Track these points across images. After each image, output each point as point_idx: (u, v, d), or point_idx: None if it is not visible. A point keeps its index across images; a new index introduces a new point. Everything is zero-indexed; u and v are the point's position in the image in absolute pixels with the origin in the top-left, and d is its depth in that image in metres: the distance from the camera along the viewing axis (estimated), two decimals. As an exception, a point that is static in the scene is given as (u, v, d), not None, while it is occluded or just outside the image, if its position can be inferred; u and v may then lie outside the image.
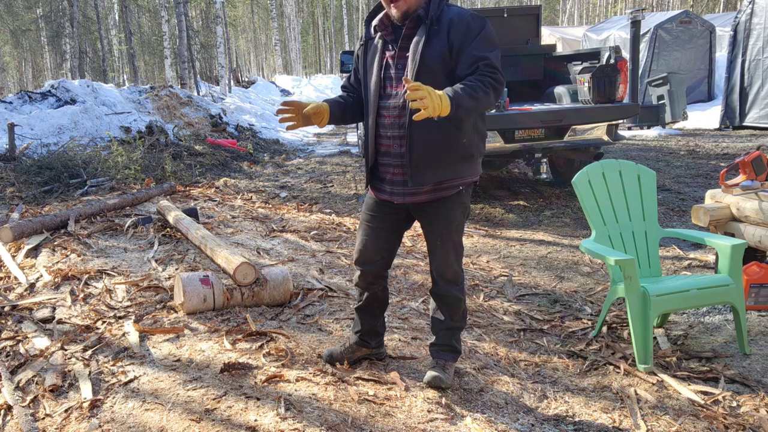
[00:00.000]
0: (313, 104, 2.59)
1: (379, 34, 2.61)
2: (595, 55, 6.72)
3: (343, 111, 2.71)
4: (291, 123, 2.58)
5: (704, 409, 2.64)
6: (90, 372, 2.78)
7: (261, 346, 3.02)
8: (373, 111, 2.59)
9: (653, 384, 2.85)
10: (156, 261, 4.35)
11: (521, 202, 6.76)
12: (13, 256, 4.43)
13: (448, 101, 2.22)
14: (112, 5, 30.06)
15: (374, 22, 2.63)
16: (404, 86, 2.29)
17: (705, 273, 4.30)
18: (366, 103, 2.66)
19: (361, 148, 10.04)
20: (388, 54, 2.58)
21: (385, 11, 2.59)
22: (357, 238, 2.81)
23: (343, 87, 2.85)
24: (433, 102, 2.17)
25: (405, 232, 2.90)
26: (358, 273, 2.82)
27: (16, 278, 4.04)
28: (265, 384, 2.64)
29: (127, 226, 5.10)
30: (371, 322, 2.88)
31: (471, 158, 2.58)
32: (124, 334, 3.16)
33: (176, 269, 4.18)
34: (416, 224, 2.79)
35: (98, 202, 5.72)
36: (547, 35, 18.53)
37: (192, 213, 5.33)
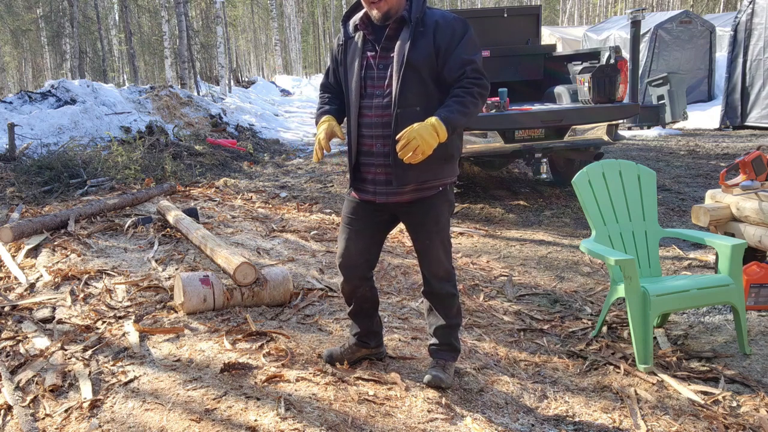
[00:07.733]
0: (328, 126, 2.59)
1: (359, 33, 2.58)
2: (595, 55, 6.71)
3: (340, 114, 2.72)
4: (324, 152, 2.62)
5: (704, 409, 2.64)
6: (90, 372, 2.78)
7: (261, 346, 3.02)
8: (355, 110, 2.58)
9: (653, 384, 2.85)
10: (156, 261, 4.35)
11: (521, 202, 6.75)
12: (13, 256, 4.43)
13: (444, 128, 2.35)
14: (112, 5, 30.08)
15: (354, 21, 2.61)
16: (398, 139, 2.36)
17: (705, 273, 4.30)
18: (347, 103, 2.64)
19: None
20: (369, 54, 2.56)
21: (364, 11, 2.56)
22: (338, 241, 2.79)
23: (323, 86, 2.80)
24: (426, 139, 2.31)
25: (391, 233, 2.88)
26: (342, 279, 2.78)
27: (16, 278, 4.04)
28: (265, 384, 2.64)
29: (127, 226, 5.11)
30: (367, 323, 2.88)
31: (452, 159, 2.60)
32: (124, 334, 3.16)
33: (176, 269, 4.18)
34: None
35: (98, 202, 5.72)
36: (547, 35, 18.51)
37: (192, 213, 5.33)
